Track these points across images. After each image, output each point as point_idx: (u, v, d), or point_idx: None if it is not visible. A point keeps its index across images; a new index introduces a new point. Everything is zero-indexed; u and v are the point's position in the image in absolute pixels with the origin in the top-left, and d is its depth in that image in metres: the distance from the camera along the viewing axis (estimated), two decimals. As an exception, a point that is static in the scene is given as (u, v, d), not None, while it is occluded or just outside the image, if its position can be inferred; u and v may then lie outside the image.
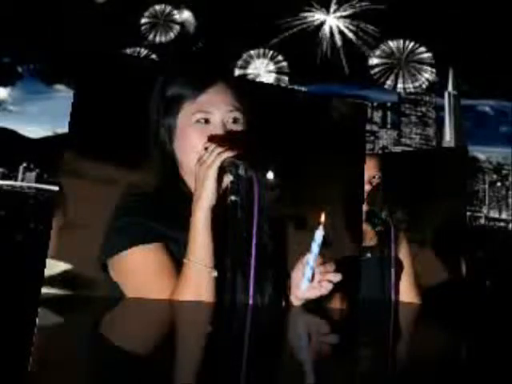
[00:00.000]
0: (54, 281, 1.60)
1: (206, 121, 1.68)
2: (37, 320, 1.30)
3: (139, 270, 1.60)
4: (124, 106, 1.74)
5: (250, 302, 1.59)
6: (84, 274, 1.63)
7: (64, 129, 1.77)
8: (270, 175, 1.61)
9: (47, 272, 1.59)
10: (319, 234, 1.60)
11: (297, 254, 1.67)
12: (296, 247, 1.72)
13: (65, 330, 1.30)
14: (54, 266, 1.60)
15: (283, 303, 1.69)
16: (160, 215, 1.63)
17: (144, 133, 1.72)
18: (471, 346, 1.47)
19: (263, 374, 1.01)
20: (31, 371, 0.90)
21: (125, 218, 1.63)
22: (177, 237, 1.61)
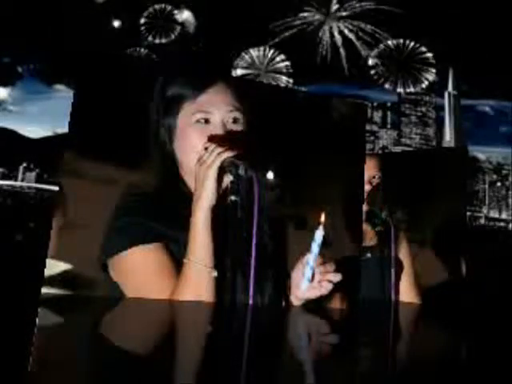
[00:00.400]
0: (53, 281, 1.60)
1: (206, 121, 1.68)
2: (37, 320, 1.30)
3: (139, 270, 1.60)
4: (124, 105, 1.74)
5: (250, 302, 1.59)
6: (84, 274, 1.63)
7: (64, 129, 1.77)
8: (270, 175, 1.61)
9: (47, 272, 1.59)
10: (319, 234, 1.60)
11: (297, 254, 1.67)
12: (296, 247, 1.72)
13: (65, 330, 1.31)
14: (54, 266, 1.60)
15: (283, 303, 1.68)
16: (160, 215, 1.63)
17: (144, 133, 1.72)
18: (471, 346, 1.47)
19: (263, 374, 1.01)
20: (31, 371, 0.90)
21: (125, 218, 1.63)
22: (177, 237, 1.61)
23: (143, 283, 1.60)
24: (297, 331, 1.49)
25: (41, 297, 1.56)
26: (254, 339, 1.32)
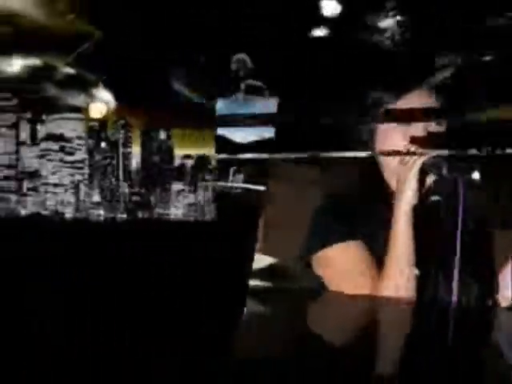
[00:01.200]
0: (260, 274, 1.70)
1: (408, 122, 1.68)
2: (245, 309, 1.40)
3: (339, 268, 1.64)
4: (321, 109, 1.80)
5: (454, 300, 1.56)
6: (288, 268, 1.71)
7: (270, 134, 1.87)
8: (475, 175, 1.57)
9: (255, 265, 1.69)
10: (527, 236, 1.54)
11: (504, 254, 1.62)
12: (503, 248, 1.66)
13: (269, 322, 1.39)
14: (261, 260, 1.70)
15: (489, 303, 1.64)
16: (361, 214, 1.66)
17: (346, 135, 1.77)
18: None
19: (469, 373, 1.00)
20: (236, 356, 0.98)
21: (325, 218, 1.69)
22: (376, 235, 1.63)
23: (343, 279, 1.63)
24: (503, 333, 1.45)
25: (249, 289, 1.66)
26: (457, 339, 1.31)
